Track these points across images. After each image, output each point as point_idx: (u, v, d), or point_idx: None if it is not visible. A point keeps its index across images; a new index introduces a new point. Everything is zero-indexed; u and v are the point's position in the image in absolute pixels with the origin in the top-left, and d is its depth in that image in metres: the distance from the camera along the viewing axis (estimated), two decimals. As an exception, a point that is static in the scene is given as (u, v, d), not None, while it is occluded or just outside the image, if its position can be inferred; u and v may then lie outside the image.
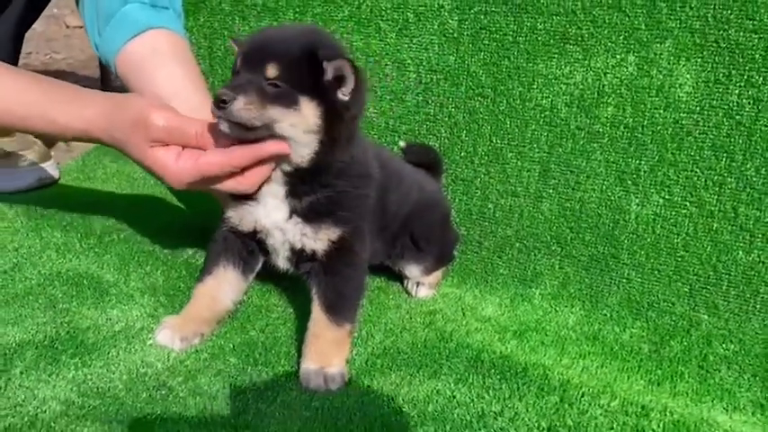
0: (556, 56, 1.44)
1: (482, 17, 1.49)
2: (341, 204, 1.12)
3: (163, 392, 1.04)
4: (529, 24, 1.45)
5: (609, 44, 1.39)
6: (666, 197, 1.39)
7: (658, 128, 1.38)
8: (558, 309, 1.44)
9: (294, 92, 1.02)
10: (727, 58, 1.30)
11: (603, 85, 1.41)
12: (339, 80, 1.04)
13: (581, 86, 1.43)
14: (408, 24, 1.57)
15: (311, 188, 1.11)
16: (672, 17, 1.33)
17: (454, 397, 1.10)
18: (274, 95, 1.01)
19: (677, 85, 1.35)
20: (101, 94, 1.23)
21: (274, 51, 1.03)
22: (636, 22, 1.36)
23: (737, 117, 1.31)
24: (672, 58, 1.35)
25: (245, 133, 1.03)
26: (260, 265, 1.24)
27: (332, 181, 1.11)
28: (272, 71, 1.01)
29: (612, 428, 1.05)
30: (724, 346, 1.32)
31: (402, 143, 1.54)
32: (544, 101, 1.46)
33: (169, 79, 1.31)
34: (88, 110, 1.16)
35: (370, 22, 1.61)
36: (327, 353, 1.12)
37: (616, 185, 1.43)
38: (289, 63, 1.02)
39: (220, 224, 1.21)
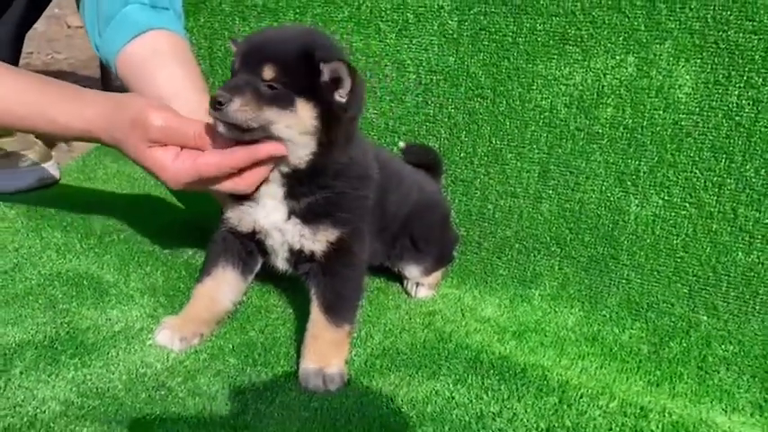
0: (555, 57, 1.44)
1: (482, 18, 1.49)
2: (339, 205, 1.12)
3: (162, 393, 1.05)
4: (528, 25, 1.45)
5: (608, 45, 1.39)
6: (666, 198, 1.39)
7: (658, 129, 1.38)
8: (557, 309, 1.44)
9: (290, 93, 1.02)
10: (727, 60, 1.30)
11: (603, 86, 1.41)
12: (336, 82, 1.04)
13: (580, 87, 1.43)
14: (408, 25, 1.57)
15: (309, 189, 1.11)
16: (671, 18, 1.33)
17: (453, 398, 1.10)
18: (270, 97, 1.01)
19: (677, 86, 1.35)
20: (101, 93, 1.23)
21: (271, 53, 1.03)
22: (635, 23, 1.36)
23: (737, 118, 1.31)
24: (671, 59, 1.35)
25: (241, 134, 1.03)
26: (259, 266, 1.24)
27: (330, 182, 1.11)
28: (268, 73, 1.01)
29: (611, 429, 1.05)
30: (723, 347, 1.32)
31: (402, 144, 1.54)
32: (544, 102, 1.46)
33: (169, 80, 1.31)
34: (88, 109, 1.16)
35: (370, 23, 1.61)
36: (326, 353, 1.12)
37: (615, 186, 1.43)
38: (285, 64, 1.02)
39: (219, 225, 1.21)
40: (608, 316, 1.41)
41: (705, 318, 1.37)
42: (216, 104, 1.00)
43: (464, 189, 1.57)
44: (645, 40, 1.36)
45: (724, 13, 1.29)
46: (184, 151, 1.10)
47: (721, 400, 1.17)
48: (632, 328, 1.38)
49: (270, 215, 1.13)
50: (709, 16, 1.30)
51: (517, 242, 1.52)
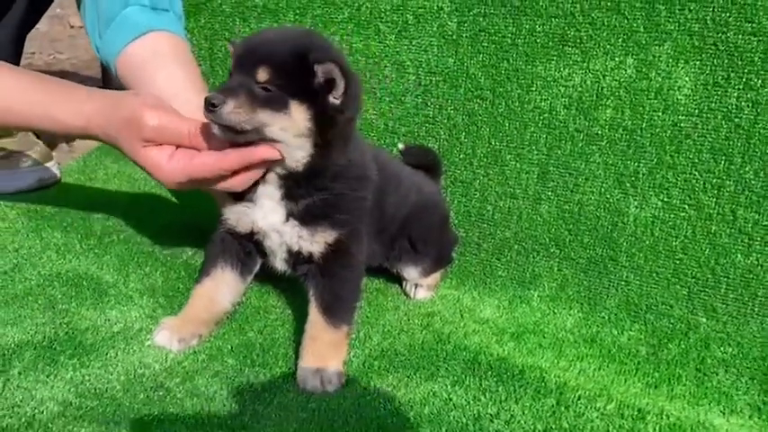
0: (554, 58, 1.44)
1: (481, 19, 1.50)
2: (338, 207, 1.12)
3: (160, 393, 1.05)
4: (528, 27, 1.45)
5: (608, 47, 1.39)
6: (665, 200, 1.39)
7: (657, 130, 1.38)
8: (556, 311, 1.44)
9: (284, 95, 1.02)
10: (726, 61, 1.30)
11: (602, 88, 1.41)
12: (330, 83, 1.03)
13: (580, 89, 1.43)
14: (408, 26, 1.57)
15: (307, 191, 1.11)
16: (671, 20, 1.33)
17: (451, 399, 1.10)
18: (264, 99, 1.01)
19: (676, 88, 1.35)
20: (99, 91, 1.24)
21: (266, 55, 1.03)
22: (635, 25, 1.36)
23: (736, 120, 1.31)
24: (670, 60, 1.34)
25: (235, 136, 1.04)
26: (258, 267, 1.24)
27: (328, 184, 1.11)
28: (262, 75, 1.01)
29: (608, 431, 1.05)
30: (722, 348, 1.32)
31: (401, 145, 1.54)
32: (543, 103, 1.46)
33: (169, 81, 1.31)
34: (87, 107, 1.17)
35: (370, 24, 1.62)
36: (325, 354, 1.12)
37: (615, 188, 1.43)
38: (279, 66, 1.02)
39: (218, 226, 1.21)
40: (607, 317, 1.41)
41: (704, 319, 1.37)
42: (209, 106, 1.00)
43: (463, 190, 1.57)
44: (644, 42, 1.36)
45: (723, 15, 1.29)
46: (179, 151, 1.11)
47: (720, 402, 1.17)
48: (631, 330, 1.38)
49: (268, 216, 1.14)
50: (708, 18, 1.30)
51: (516, 243, 1.53)
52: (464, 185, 1.57)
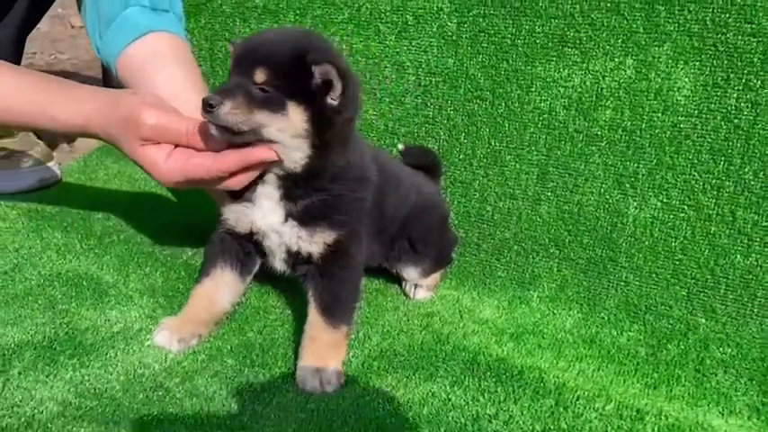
0: (554, 59, 1.44)
1: (481, 20, 1.50)
2: (336, 208, 1.12)
3: (160, 393, 1.05)
4: (527, 27, 1.45)
5: (607, 47, 1.39)
6: (664, 200, 1.39)
7: (656, 131, 1.38)
8: (555, 311, 1.44)
9: (282, 96, 1.02)
10: (726, 62, 1.30)
11: (602, 89, 1.41)
12: (327, 84, 1.03)
13: (579, 89, 1.43)
14: (407, 27, 1.58)
15: (306, 192, 1.11)
16: (670, 20, 1.33)
17: (449, 400, 1.10)
18: (262, 100, 1.02)
19: (675, 89, 1.35)
20: (99, 90, 1.25)
21: (264, 55, 1.03)
22: (634, 26, 1.36)
23: (735, 121, 1.31)
24: (670, 61, 1.34)
25: (232, 137, 1.04)
26: (257, 267, 1.24)
27: (326, 185, 1.11)
28: (260, 75, 1.02)
29: (607, 432, 1.05)
30: (721, 349, 1.32)
31: (400, 145, 1.54)
32: (542, 104, 1.47)
33: (169, 81, 1.32)
34: (86, 105, 1.18)
35: (370, 25, 1.62)
36: (324, 355, 1.12)
37: (614, 188, 1.43)
38: (277, 67, 1.02)
39: (217, 226, 1.21)
40: (606, 318, 1.42)
41: (703, 320, 1.37)
42: (207, 107, 1.00)
43: (463, 191, 1.57)
44: (644, 43, 1.36)
45: (723, 16, 1.29)
46: (177, 150, 1.11)
47: (718, 402, 1.17)
48: (630, 331, 1.38)
49: (267, 217, 1.14)
50: (707, 19, 1.30)
51: (516, 244, 1.53)
52: (464, 186, 1.57)
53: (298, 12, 1.70)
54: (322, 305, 1.13)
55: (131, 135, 1.11)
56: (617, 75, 1.39)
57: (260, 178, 1.11)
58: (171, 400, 1.04)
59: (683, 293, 1.39)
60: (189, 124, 1.10)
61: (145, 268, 1.41)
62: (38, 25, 1.86)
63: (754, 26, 1.27)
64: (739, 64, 1.29)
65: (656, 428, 1.07)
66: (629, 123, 1.40)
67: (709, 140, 1.34)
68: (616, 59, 1.39)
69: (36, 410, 0.97)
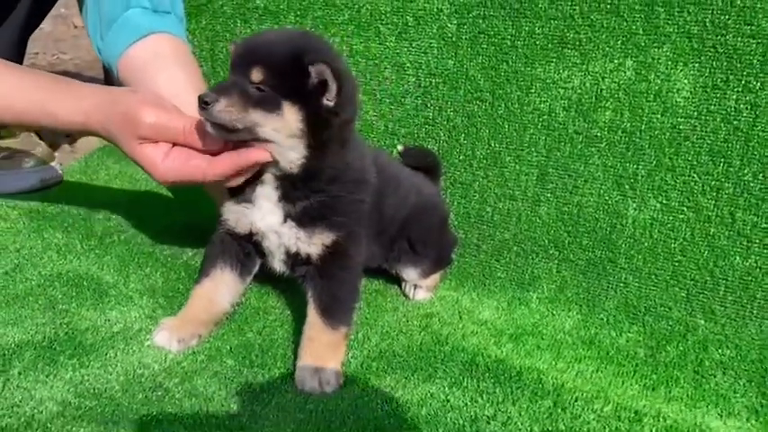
0: (554, 60, 1.44)
1: (480, 21, 1.50)
2: (335, 209, 1.13)
3: (159, 394, 1.06)
4: (527, 29, 1.45)
5: (607, 49, 1.39)
6: (664, 202, 1.39)
7: (656, 132, 1.38)
8: (554, 312, 1.44)
9: (277, 96, 1.03)
10: (725, 64, 1.30)
11: (601, 90, 1.41)
12: (323, 85, 1.04)
13: (579, 91, 1.43)
14: (408, 28, 1.58)
15: (304, 193, 1.11)
16: (670, 22, 1.33)
17: (448, 401, 1.10)
18: (258, 99, 1.02)
19: (675, 90, 1.35)
20: (99, 88, 1.26)
21: (261, 55, 1.04)
22: (634, 27, 1.36)
23: (735, 122, 1.31)
24: (670, 62, 1.35)
25: (227, 135, 1.05)
26: (257, 268, 1.25)
27: (324, 186, 1.11)
28: (256, 75, 1.02)
29: (605, 433, 1.05)
30: (720, 351, 1.32)
31: (400, 146, 1.54)
32: (542, 105, 1.47)
33: (170, 83, 1.32)
34: (86, 102, 1.18)
35: (370, 26, 1.62)
36: (323, 355, 1.13)
37: (614, 190, 1.43)
38: (274, 67, 1.02)
39: (217, 226, 1.22)
40: (605, 319, 1.42)
41: (702, 322, 1.37)
42: (202, 104, 1.01)
43: (463, 192, 1.57)
44: (643, 44, 1.36)
45: (722, 18, 1.29)
46: (175, 149, 1.12)
47: (717, 404, 1.17)
48: (629, 332, 1.38)
49: (266, 217, 1.14)
50: (707, 20, 1.30)
51: (515, 245, 1.53)
52: (463, 187, 1.57)
53: (298, 13, 1.70)
54: (321, 306, 1.14)
55: (129, 133, 1.12)
56: (616, 76, 1.39)
57: (258, 179, 1.12)
58: (170, 401, 1.04)
59: (683, 295, 1.39)
60: (186, 122, 1.10)
61: (145, 269, 1.41)
62: (40, 25, 1.87)
63: (753, 28, 1.27)
64: (739, 65, 1.29)
65: (654, 430, 1.07)
66: (629, 125, 1.40)
67: (709, 142, 1.34)
68: (616, 61, 1.39)
69: (36, 410, 0.98)
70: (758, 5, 1.26)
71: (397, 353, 1.23)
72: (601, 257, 1.45)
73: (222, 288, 1.22)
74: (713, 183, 1.34)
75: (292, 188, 1.11)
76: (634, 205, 1.41)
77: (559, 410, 1.09)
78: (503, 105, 1.51)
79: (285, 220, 1.13)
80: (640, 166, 1.40)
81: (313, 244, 1.13)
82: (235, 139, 1.05)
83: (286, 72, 1.03)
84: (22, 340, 1.13)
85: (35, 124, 1.36)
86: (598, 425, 1.07)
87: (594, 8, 1.39)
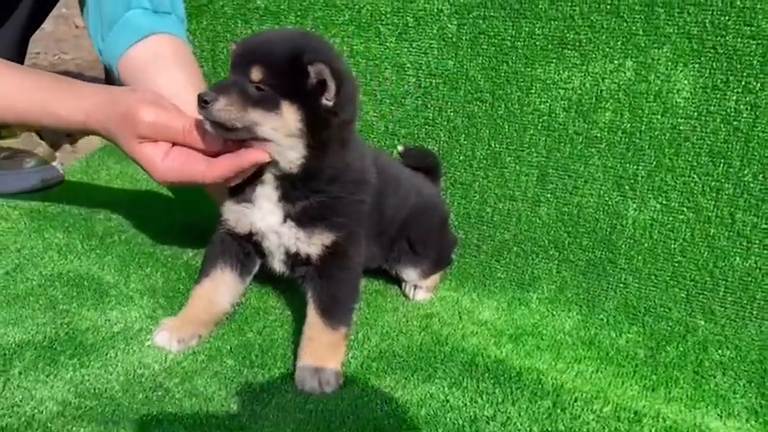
0: (554, 61, 1.44)
1: (481, 22, 1.50)
2: (335, 210, 1.13)
3: (159, 394, 1.06)
4: (527, 29, 1.45)
5: (607, 49, 1.39)
6: (664, 202, 1.39)
7: (656, 133, 1.38)
8: (554, 313, 1.44)
9: (276, 95, 1.03)
10: (725, 64, 1.30)
11: (601, 91, 1.41)
12: (322, 84, 1.04)
13: (579, 91, 1.43)
14: (408, 29, 1.58)
15: (303, 193, 1.12)
16: (670, 23, 1.33)
17: (447, 401, 1.10)
18: (257, 98, 1.03)
19: (675, 91, 1.35)
20: (99, 87, 1.26)
21: (260, 55, 1.04)
22: (634, 28, 1.36)
23: (735, 123, 1.31)
24: (670, 63, 1.35)
25: (227, 134, 1.05)
26: (257, 268, 1.25)
27: (324, 187, 1.12)
28: (256, 74, 1.02)
29: (604, 434, 1.06)
30: (720, 351, 1.32)
31: (400, 147, 1.54)
32: (542, 106, 1.47)
33: (171, 83, 1.33)
34: (87, 101, 1.19)
35: (370, 27, 1.62)
36: (323, 356, 1.13)
37: (614, 190, 1.43)
38: (273, 66, 1.03)
39: (217, 226, 1.22)
40: (605, 320, 1.42)
41: (702, 322, 1.37)
42: (202, 102, 1.01)
43: (463, 192, 1.58)
44: (643, 45, 1.36)
45: (722, 18, 1.29)
46: (174, 149, 1.12)
47: (717, 405, 1.17)
48: (629, 333, 1.38)
49: (266, 217, 1.14)
50: (707, 21, 1.30)
51: (515, 245, 1.53)
52: (464, 187, 1.57)
53: (299, 13, 1.70)
54: (321, 306, 1.14)
55: (129, 132, 1.12)
56: (616, 77, 1.39)
57: (258, 178, 1.12)
58: (170, 401, 1.04)
59: (683, 295, 1.39)
60: (186, 122, 1.11)
61: (146, 269, 1.42)
62: (42, 25, 1.87)
63: (753, 29, 1.27)
64: (739, 66, 1.29)
65: (653, 430, 1.07)
66: (629, 125, 1.40)
67: (709, 143, 1.34)
68: (616, 61, 1.39)
69: (36, 410, 0.98)
70: (758, 6, 1.26)
71: (396, 353, 1.23)
72: (601, 258, 1.45)
73: (222, 288, 1.22)
74: (713, 183, 1.34)
75: (292, 188, 1.11)
76: (634, 206, 1.41)
77: (559, 411, 1.10)
78: (503, 106, 1.51)
79: (285, 221, 1.13)
80: (640, 167, 1.40)
81: (313, 244, 1.13)
82: (234, 138, 1.06)
83: (285, 72, 1.03)
84: (22, 340, 1.13)
85: (36, 124, 1.37)
86: (598, 425, 1.07)
87: (594, 9, 1.39)
